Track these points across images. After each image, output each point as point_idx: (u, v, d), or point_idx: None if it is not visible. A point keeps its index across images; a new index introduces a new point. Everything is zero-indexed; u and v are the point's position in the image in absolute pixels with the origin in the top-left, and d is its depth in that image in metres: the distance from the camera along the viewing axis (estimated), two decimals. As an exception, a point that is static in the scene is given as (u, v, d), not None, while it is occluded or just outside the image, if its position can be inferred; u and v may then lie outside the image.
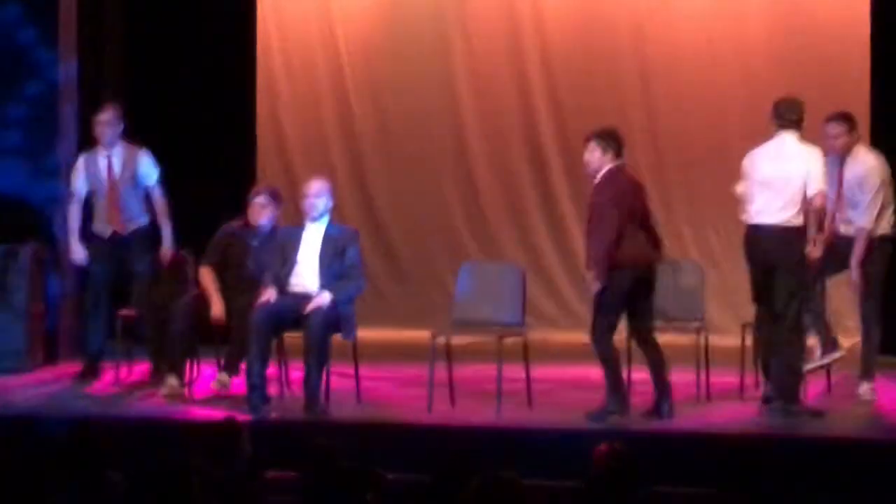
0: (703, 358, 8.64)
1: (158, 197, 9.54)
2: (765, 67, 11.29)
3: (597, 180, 8.18)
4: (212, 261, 9.09)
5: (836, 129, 8.74)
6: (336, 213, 11.60)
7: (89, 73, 10.91)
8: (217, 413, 7.70)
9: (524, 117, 11.85)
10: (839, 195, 8.74)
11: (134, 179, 9.47)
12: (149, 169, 9.51)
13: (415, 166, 11.99)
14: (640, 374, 8.82)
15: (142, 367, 9.70)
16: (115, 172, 9.44)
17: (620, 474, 5.18)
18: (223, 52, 11.44)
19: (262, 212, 9.06)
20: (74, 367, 9.74)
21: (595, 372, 8.60)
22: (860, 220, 8.67)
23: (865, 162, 8.74)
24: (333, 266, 8.55)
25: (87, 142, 9.74)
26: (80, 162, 9.56)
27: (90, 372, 9.51)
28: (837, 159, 8.76)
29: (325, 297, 8.39)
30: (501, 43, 11.84)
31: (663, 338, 10.67)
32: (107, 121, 9.44)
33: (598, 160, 8.18)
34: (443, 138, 11.97)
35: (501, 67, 11.85)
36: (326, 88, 12.12)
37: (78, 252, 9.46)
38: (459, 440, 7.75)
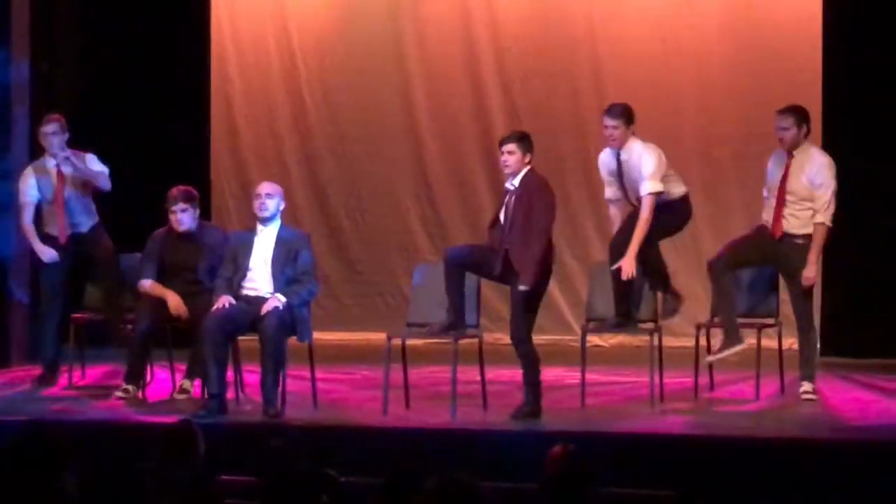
0: (658, 359, 8.67)
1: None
2: (718, 66, 11.36)
3: (520, 181, 8.23)
4: (150, 274, 8.96)
5: (785, 121, 8.78)
6: (290, 214, 11.63)
7: (42, 74, 10.88)
8: (172, 416, 7.69)
9: (478, 117, 11.87)
10: (783, 190, 8.73)
11: (85, 186, 9.46)
12: (100, 167, 9.53)
13: (369, 167, 12.00)
14: (592, 376, 8.87)
15: (95, 371, 9.69)
16: (65, 180, 9.42)
17: (574, 476, 5.20)
18: (177, 52, 11.41)
19: (183, 217, 8.99)
20: (28, 370, 9.70)
21: (550, 373, 8.63)
22: (819, 216, 8.66)
23: (819, 158, 8.76)
24: (286, 270, 8.53)
25: (40, 147, 9.67)
26: (29, 171, 9.53)
27: (48, 377, 9.44)
28: (783, 154, 8.80)
29: (278, 300, 8.39)
30: (456, 43, 11.86)
31: (616, 339, 10.77)
32: (53, 131, 9.41)
33: (518, 162, 8.26)
34: (397, 139, 11.98)
35: (456, 68, 11.87)
36: (280, 88, 12.12)
37: (45, 251, 9.37)
38: (415, 442, 7.75)
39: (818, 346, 8.88)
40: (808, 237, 8.68)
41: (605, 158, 8.83)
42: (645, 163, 8.55)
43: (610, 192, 8.88)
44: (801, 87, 11.01)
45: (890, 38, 10.43)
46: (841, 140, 10.41)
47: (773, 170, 8.82)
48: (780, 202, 8.71)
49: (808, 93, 10.82)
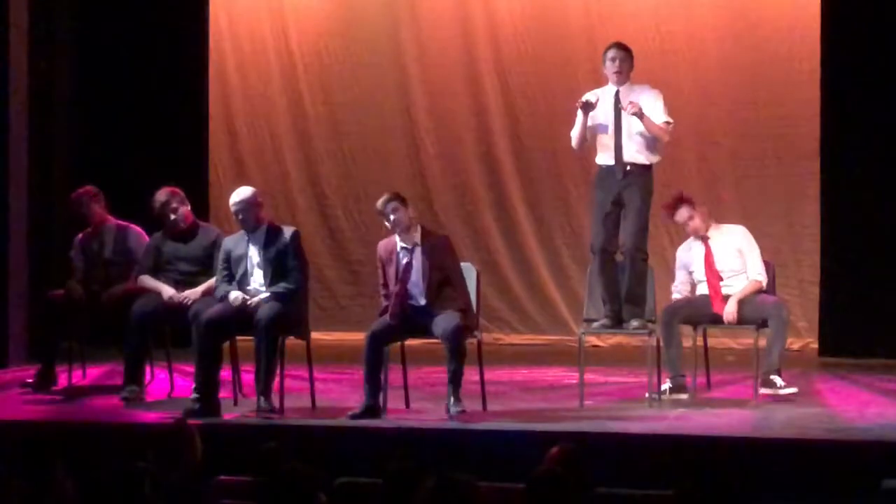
0: (656, 359, 8.66)
1: None
2: (716, 68, 11.36)
3: (420, 236, 8.40)
4: (144, 270, 9.07)
5: (684, 214, 8.84)
6: (288, 214, 11.65)
7: (40, 72, 10.87)
8: (169, 416, 7.69)
9: (477, 119, 11.88)
10: (713, 273, 8.78)
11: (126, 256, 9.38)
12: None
13: (367, 166, 11.99)
14: (591, 376, 8.87)
15: (95, 371, 9.68)
16: (106, 252, 9.39)
17: (572, 475, 5.19)
18: (176, 51, 11.40)
19: (177, 212, 9.04)
20: (26, 371, 9.68)
21: (549, 373, 8.62)
22: (756, 276, 8.75)
23: (734, 229, 8.89)
24: (277, 269, 8.52)
25: (37, 146, 9.60)
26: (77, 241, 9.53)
27: (46, 377, 9.42)
28: (699, 240, 8.87)
29: (260, 297, 8.41)
30: (455, 45, 11.86)
31: (614, 339, 10.76)
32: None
33: (409, 218, 8.37)
34: (395, 139, 11.98)
35: (454, 69, 11.87)
36: (278, 88, 12.12)
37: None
38: (413, 442, 7.73)
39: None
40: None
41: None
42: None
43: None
44: (799, 87, 11.02)
45: (889, 39, 10.42)
46: (840, 140, 10.41)
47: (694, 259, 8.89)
48: (715, 281, 8.78)
49: (807, 92, 10.84)
